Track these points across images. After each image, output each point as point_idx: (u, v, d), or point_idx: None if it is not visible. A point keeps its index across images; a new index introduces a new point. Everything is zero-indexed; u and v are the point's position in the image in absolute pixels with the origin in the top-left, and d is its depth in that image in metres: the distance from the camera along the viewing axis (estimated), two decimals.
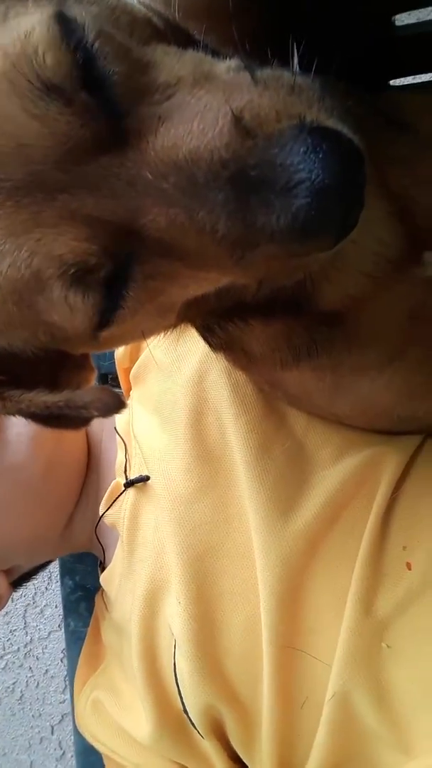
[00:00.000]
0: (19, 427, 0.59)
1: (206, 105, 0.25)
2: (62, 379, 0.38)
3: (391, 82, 0.43)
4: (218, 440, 0.55)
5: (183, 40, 0.30)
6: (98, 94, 0.25)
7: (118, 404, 0.36)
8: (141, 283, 0.29)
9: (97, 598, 0.69)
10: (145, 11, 0.31)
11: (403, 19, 0.37)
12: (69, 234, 0.26)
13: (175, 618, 0.51)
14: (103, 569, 0.67)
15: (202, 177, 0.24)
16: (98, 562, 0.70)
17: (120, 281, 0.28)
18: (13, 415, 0.36)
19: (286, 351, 0.43)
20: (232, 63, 0.27)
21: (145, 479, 0.57)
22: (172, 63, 0.28)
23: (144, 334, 0.37)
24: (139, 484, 0.58)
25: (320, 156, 0.22)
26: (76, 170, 0.25)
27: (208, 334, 0.47)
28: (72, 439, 0.66)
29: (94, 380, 0.41)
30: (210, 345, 0.48)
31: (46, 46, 0.25)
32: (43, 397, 0.35)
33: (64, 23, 0.25)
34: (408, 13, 0.36)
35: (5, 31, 0.26)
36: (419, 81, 0.44)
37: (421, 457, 0.51)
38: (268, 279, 0.30)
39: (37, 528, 0.63)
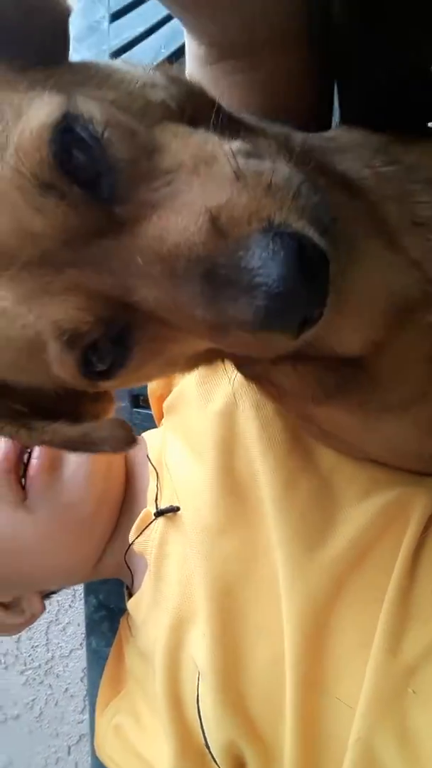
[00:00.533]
0: (75, 465, 0.60)
1: (192, 200, 0.28)
2: (84, 410, 0.40)
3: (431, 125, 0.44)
4: (247, 475, 0.55)
5: (197, 116, 0.33)
6: (92, 186, 0.28)
7: (129, 441, 0.39)
8: (143, 345, 0.32)
9: (122, 622, 0.69)
10: (161, 94, 0.33)
11: None
12: (70, 303, 0.29)
13: (199, 650, 0.52)
14: (130, 593, 0.68)
15: (180, 269, 0.27)
16: (125, 586, 0.70)
17: (123, 345, 0.32)
18: (39, 445, 0.39)
19: (317, 388, 0.44)
20: (234, 146, 0.30)
21: (175, 509, 0.58)
22: (177, 146, 0.30)
23: (151, 380, 0.39)
24: (169, 514, 0.59)
25: (279, 262, 0.25)
26: (81, 250, 0.29)
27: (242, 366, 0.48)
28: (117, 472, 0.67)
29: (113, 411, 0.43)
30: (244, 375, 0.49)
31: (36, 143, 0.28)
32: (63, 430, 0.37)
33: (68, 118, 0.28)
34: None
35: (18, 121, 0.29)
36: None
37: None
38: (250, 354, 0.32)
39: (79, 560, 0.66)
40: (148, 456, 0.66)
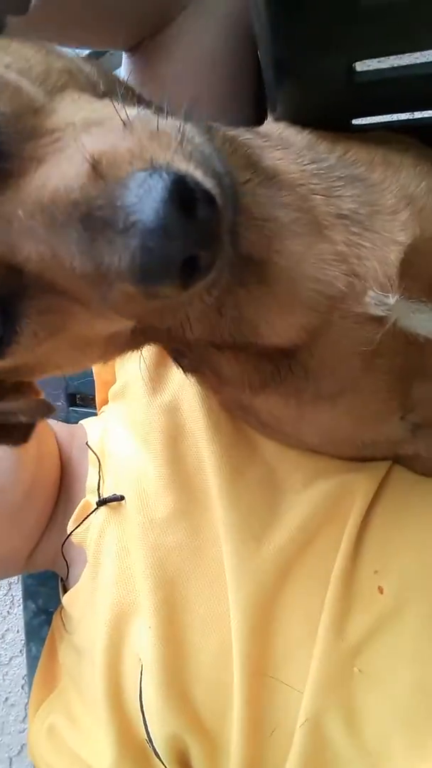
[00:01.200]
0: (2, 452, 0.58)
1: (77, 150, 0.27)
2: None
3: (354, 122, 0.45)
4: (193, 465, 0.55)
5: (109, 94, 0.32)
6: None
7: (46, 410, 0.38)
8: (35, 318, 0.30)
9: (55, 617, 0.68)
10: (66, 63, 0.33)
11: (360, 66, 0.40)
12: None
13: (144, 643, 0.51)
14: (64, 587, 0.66)
15: (59, 216, 0.26)
16: (59, 579, 0.68)
17: (10, 316, 0.30)
18: None
19: (254, 375, 0.45)
20: (136, 110, 0.29)
21: (119, 499, 0.57)
22: (72, 109, 0.29)
23: (62, 368, 0.38)
24: (111, 504, 0.58)
25: (159, 198, 0.23)
26: None
27: (179, 356, 0.48)
28: (50, 458, 0.65)
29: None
30: (182, 367, 0.49)
31: None
32: None
33: None
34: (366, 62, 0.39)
35: None
36: (378, 122, 0.47)
37: (390, 482, 0.53)
38: (145, 320, 0.31)
39: (10, 549, 0.63)
40: (87, 444, 0.65)
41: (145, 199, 0.23)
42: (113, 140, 0.26)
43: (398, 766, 0.45)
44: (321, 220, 0.40)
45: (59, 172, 0.26)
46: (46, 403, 0.38)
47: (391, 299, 0.39)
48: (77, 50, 0.39)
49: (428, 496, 0.52)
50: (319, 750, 0.47)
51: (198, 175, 0.25)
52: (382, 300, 0.40)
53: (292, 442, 0.54)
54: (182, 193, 0.24)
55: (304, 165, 0.41)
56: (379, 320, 0.40)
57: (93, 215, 0.25)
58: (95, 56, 0.92)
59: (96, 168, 0.25)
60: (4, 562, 0.65)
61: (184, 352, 0.48)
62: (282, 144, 0.44)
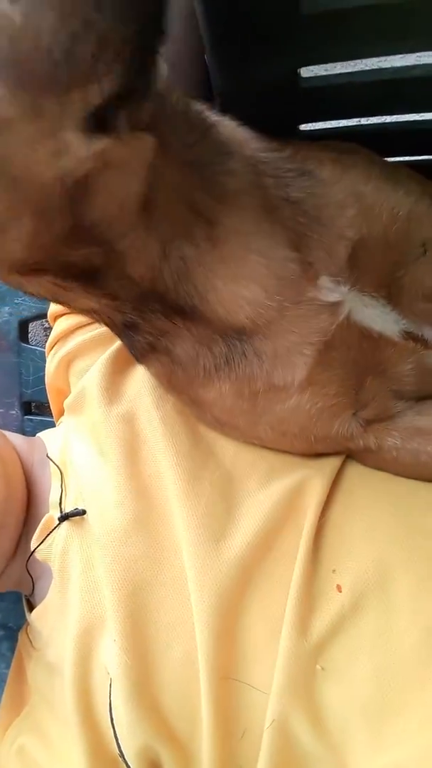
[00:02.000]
0: None
1: None
2: None
3: (301, 128, 0.46)
4: (151, 474, 0.55)
5: None
6: None
7: None
8: None
9: (21, 635, 0.66)
10: None
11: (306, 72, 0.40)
12: None
13: (110, 657, 0.50)
14: (29, 603, 0.65)
15: None
16: (23, 598, 0.67)
17: None
18: None
19: (208, 358, 0.44)
20: None
21: (80, 513, 0.56)
22: None
23: None
24: (74, 518, 0.57)
25: None
26: None
27: (132, 332, 0.47)
28: (15, 481, 0.63)
29: None
30: (134, 351, 0.48)
31: None
32: None
33: None
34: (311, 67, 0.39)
35: None
36: (324, 127, 0.48)
37: (344, 478, 0.53)
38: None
39: None
40: (48, 456, 0.64)
41: None
42: None
43: (359, 757, 0.45)
44: (271, 201, 0.40)
45: None
46: None
47: (344, 287, 0.40)
48: None
49: (379, 491, 0.53)
50: (287, 750, 0.47)
51: None
52: (334, 287, 0.40)
53: (246, 438, 0.54)
54: None
55: (256, 150, 0.41)
56: (333, 310, 0.40)
57: None
58: None
59: None
60: None
61: (137, 326, 0.46)
62: (234, 127, 0.44)
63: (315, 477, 0.51)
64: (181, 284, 0.41)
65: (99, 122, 0.29)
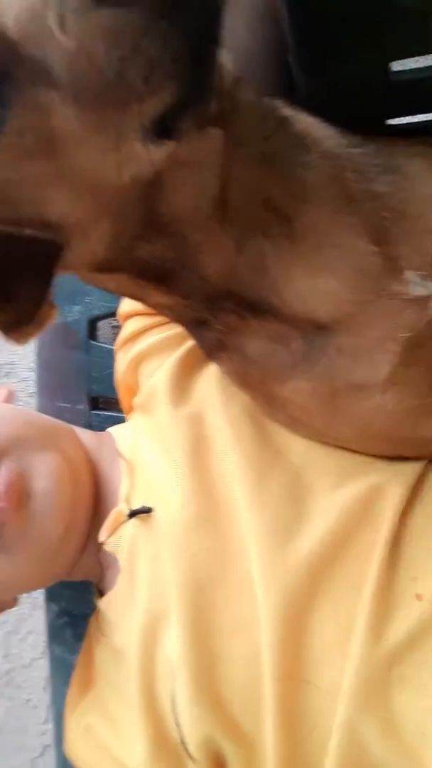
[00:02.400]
0: (41, 497, 0.59)
1: None
2: (27, 314, 0.38)
3: (389, 122, 0.45)
4: (217, 474, 0.55)
5: None
6: None
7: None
8: (22, 111, 0.29)
9: (92, 621, 0.68)
10: None
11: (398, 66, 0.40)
12: None
13: (174, 649, 0.51)
14: (99, 591, 0.67)
15: None
16: (91, 586, 0.69)
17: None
18: None
19: (284, 355, 0.44)
20: None
21: (147, 511, 0.57)
22: None
23: (62, 221, 0.35)
24: (141, 515, 0.58)
25: None
26: None
27: (203, 329, 0.47)
28: (84, 481, 0.65)
29: (54, 316, 0.40)
30: (204, 348, 0.48)
31: None
32: None
33: None
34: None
35: None
36: (414, 121, 0.47)
37: (427, 485, 0.52)
38: (115, 76, 0.28)
39: (55, 574, 0.67)
40: (119, 451, 0.65)
41: None
42: None
43: None
44: (352, 195, 0.40)
45: None
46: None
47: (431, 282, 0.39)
48: None
49: None
50: (355, 753, 0.46)
51: None
52: (420, 281, 0.39)
53: (322, 437, 0.53)
54: None
55: (337, 146, 0.41)
56: (421, 304, 0.39)
57: None
58: None
59: None
60: (49, 581, 0.69)
61: (208, 322, 0.46)
62: (312, 122, 0.43)
63: (392, 481, 0.50)
64: (257, 280, 0.41)
65: (162, 128, 0.31)
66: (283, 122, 0.40)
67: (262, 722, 0.49)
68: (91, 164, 0.31)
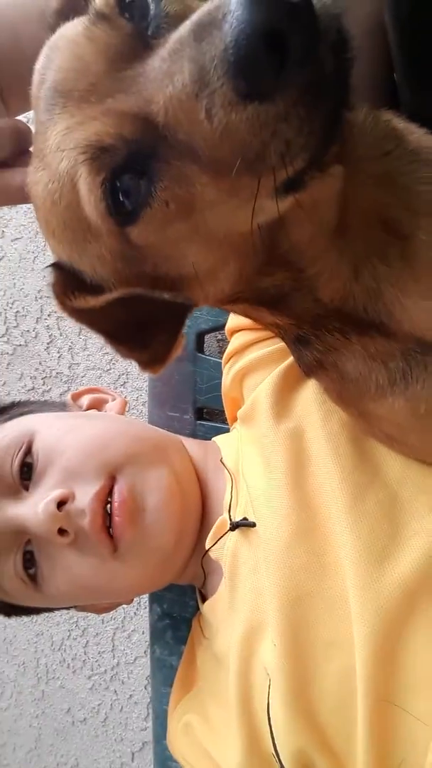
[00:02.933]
0: (153, 510, 0.63)
1: None
2: (155, 345, 0.42)
3: None
4: (317, 489, 0.56)
5: None
6: (138, 20, 0.33)
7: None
8: (168, 183, 0.33)
9: (195, 623, 0.71)
10: None
11: None
12: (99, 123, 0.32)
13: (270, 659, 0.52)
14: (202, 595, 0.69)
15: (175, 47, 0.29)
16: (192, 590, 0.72)
17: (148, 177, 0.33)
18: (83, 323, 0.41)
19: (382, 373, 0.44)
20: None
21: (251, 525, 0.59)
22: None
23: (198, 276, 0.38)
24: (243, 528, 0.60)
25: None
26: (118, 76, 0.32)
27: (303, 347, 0.49)
28: (192, 493, 0.69)
29: (181, 348, 0.44)
30: (303, 365, 0.50)
31: None
32: None
33: None
34: None
35: None
36: None
37: None
38: (254, 158, 0.30)
39: (166, 581, 0.72)
40: (222, 462, 0.68)
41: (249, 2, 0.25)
42: None
43: None
44: None
45: (190, 18, 0.30)
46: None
47: None
48: None
49: None
50: None
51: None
52: None
53: (418, 455, 0.52)
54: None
55: None
56: None
57: (201, 24, 0.28)
58: None
59: None
60: (160, 586, 0.74)
61: (309, 341, 0.48)
62: (424, 138, 0.43)
63: None
64: (371, 303, 0.41)
65: (291, 184, 0.32)
66: (401, 138, 0.40)
67: (353, 743, 0.48)
68: (224, 220, 0.34)
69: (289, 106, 0.27)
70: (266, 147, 0.29)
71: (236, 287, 0.42)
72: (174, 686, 0.70)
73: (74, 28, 0.34)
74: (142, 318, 0.40)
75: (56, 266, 0.40)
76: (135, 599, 1.33)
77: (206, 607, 0.66)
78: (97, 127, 0.32)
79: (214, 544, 0.62)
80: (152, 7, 0.33)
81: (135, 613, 1.30)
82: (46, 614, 1.46)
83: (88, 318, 0.41)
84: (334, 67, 0.28)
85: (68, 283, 0.40)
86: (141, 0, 0.33)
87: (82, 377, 1.24)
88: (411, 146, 0.40)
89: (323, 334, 0.46)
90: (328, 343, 0.46)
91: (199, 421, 0.91)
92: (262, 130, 0.28)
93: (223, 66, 0.26)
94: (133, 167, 0.33)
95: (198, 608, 0.73)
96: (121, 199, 0.33)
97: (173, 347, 0.42)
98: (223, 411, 0.79)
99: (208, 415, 0.93)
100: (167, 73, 0.29)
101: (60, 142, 0.34)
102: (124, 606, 1.37)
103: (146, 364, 0.43)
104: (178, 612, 0.85)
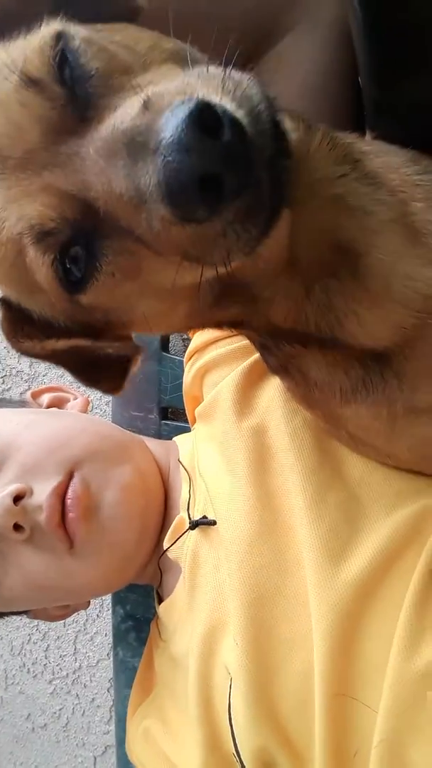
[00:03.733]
0: (109, 507, 0.62)
1: (140, 95, 0.31)
2: (106, 375, 0.43)
3: None
4: (279, 487, 0.56)
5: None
6: (71, 87, 0.33)
7: (135, 350, 0.42)
8: (112, 258, 0.34)
9: (152, 626, 0.70)
10: (176, 45, 0.37)
11: None
12: (39, 201, 0.33)
13: (232, 658, 0.52)
14: (159, 597, 0.69)
15: (112, 147, 0.30)
16: (153, 591, 0.71)
17: (91, 253, 0.34)
18: (45, 355, 0.41)
19: (344, 380, 0.45)
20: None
21: (211, 523, 0.59)
22: (160, 73, 0.33)
23: (149, 321, 0.39)
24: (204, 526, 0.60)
25: (182, 117, 0.26)
26: (54, 149, 0.32)
27: (265, 352, 0.49)
28: (155, 497, 0.68)
29: (137, 366, 0.45)
30: (268, 366, 0.50)
31: (34, 50, 0.33)
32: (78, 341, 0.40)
33: (59, 36, 0.33)
34: None
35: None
36: None
37: None
38: (196, 258, 0.31)
39: (125, 580, 0.70)
40: (179, 460, 0.67)
41: (172, 120, 0.26)
42: (168, 84, 0.30)
43: None
44: (420, 228, 0.40)
45: (122, 113, 0.30)
46: (135, 345, 0.42)
47: None
48: None
49: None
50: None
51: (228, 104, 0.27)
52: None
53: (382, 458, 0.53)
54: (207, 116, 0.26)
55: (407, 175, 0.42)
56: None
57: (134, 141, 0.28)
58: None
59: (146, 104, 0.29)
60: (118, 586, 0.73)
61: (270, 348, 0.48)
62: (385, 153, 0.44)
63: None
64: (323, 319, 0.42)
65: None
66: (358, 160, 0.41)
67: (311, 737, 0.49)
68: (171, 280, 0.34)
69: (226, 224, 0.28)
70: (207, 254, 0.30)
71: (188, 322, 0.43)
72: (132, 691, 0.69)
73: (4, 86, 0.33)
74: (91, 358, 0.41)
75: (3, 301, 0.41)
76: (98, 600, 1.31)
77: (162, 609, 0.65)
78: (38, 209, 0.33)
79: (172, 544, 0.62)
80: (79, 69, 0.33)
81: (98, 615, 1.29)
82: (5, 619, 1.43)
83: (41, 356, 0.42)
84: (270, 181, 0.29)
85: (17, 319, 0.41)
86: (71, 62, 0.33)
87: (44, 376, 1.22)
88: (368, 168, 0.41)
89: (283, 345, 0.47)
90: (288, 352, 0.47)
91: (164, 421, 0.91)
92: (202, 243, 0.29)
93: (158, 195, 0.27)
94: (78, 242, 0.34)
95: (141, 599, 0.73)
96: (68, 266, 0.35)
97: (126, 377, 0.43)
98: None
99: (173, 415, 0.92)
100: (104, 172, 0.30)
101: (1, 214, 0.35)
102: (87, 608, 1.36)
103: (105, 391, 0.45)
104: (142, 613, 0.84)
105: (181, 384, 0.82)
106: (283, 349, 0.47)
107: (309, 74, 0.52)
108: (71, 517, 0.59)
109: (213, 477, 0.61)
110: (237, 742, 0.51)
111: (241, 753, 0.51)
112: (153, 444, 0.75)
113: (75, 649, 1.33)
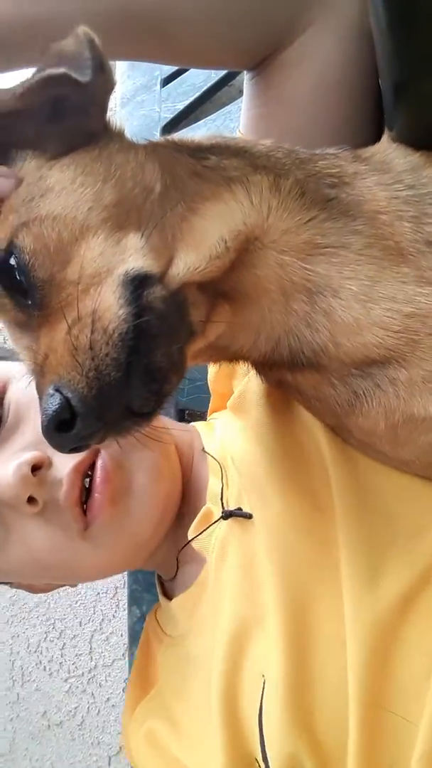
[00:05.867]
0: (139, 494, 0.58)
1: (54, 337, 0.39)
2: None
3: None
4: (320, 485, 0.54)
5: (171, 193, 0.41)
6: (22, 298, 0.40)
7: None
8: None
9: (149, 618, 0.67)
10: (112, 195, 0.41)
11: None
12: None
13: (270, 660, 0.49)
14: (163, 587, 0.66)
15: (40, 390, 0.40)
16: (156, 580, 0.68)
17: None
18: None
19: (335, 395, 0.45)
20: (130, 265, 0.39)
21: (247, 516, 0.55)
22: (86, 259, 0.39)
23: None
24: (238, 518, 0.57)
25: (48, 410, 0.37)
26: (28, 334, 0.41)
27: (260, 374, 0.52)
28: (178, 476, 0.65)
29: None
30: (268, 383, 0.51)
31: None
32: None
33: (12, 248, 0.40)
34: None
35: None
36: None
37: None
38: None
39: (133, 566, 0.67)
40: (205, 450, 0.65)
41: (48, 406, 0.37)
42: (59, 344, 0.38)
43: None
44: (404, 247, 0.41)
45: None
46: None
47: None
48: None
49: None
50: None
51: (77, 399, 0.36)
52: None
53: (393, 463, 0.51)
54: (60, 413, 0.36)
55: (398, 191, 0.42)
56: None
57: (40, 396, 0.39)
58: (215, 89, 0.96)
59: (43, 364, 0.39)
60: (123, 570, 0.70)
61: (259, 372, 0.49)
62: (379, 169, 0.44)
63: None
64: (298, 351, 0.44)
65: None
66: (329, 202, 0.42)
67: (345, 747, 0.47)
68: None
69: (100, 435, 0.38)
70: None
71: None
72: (129, 688, 0.64)
73: None
74: None
75: None
76: (114, 600, 1.32)
77: (175, 603, 0.62)
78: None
79: (198, 534, 0.58)
80: (26, 283, 0.39)
81: (114, 615, 1.29)
82: (23, 616, 1.44)
83: None
84: (145, 389, 0.38)
85: None
86: (20, 281, 0.39)
87: None
88: (349, 196, 0.42)
89: (268, 371, 0.48)
90: (274, 375, 0.48)
91: (180, 422, 0.91)
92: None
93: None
94: None
95: (158, 600, 0.68)
96: None
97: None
98: (205, 413, 0.78)
99: (190, 417, 0.92)
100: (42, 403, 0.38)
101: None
102: (103, 608, 1.36)
103: None
104: None
105: (198, 386, 0.82)
106: (269, 374, 0.48)
107: (329, 69, 0.51)
108: (97, 498, 0.55)
109: (251, 469, 0.57)
110: (266, 748, 0.48)
111: (269, 759, 0.48)
112: (174, 426, 0.71)
113: (90, 648, 1.34)
